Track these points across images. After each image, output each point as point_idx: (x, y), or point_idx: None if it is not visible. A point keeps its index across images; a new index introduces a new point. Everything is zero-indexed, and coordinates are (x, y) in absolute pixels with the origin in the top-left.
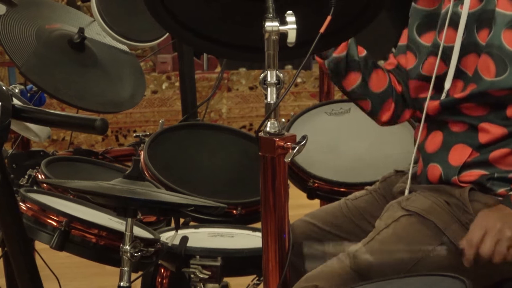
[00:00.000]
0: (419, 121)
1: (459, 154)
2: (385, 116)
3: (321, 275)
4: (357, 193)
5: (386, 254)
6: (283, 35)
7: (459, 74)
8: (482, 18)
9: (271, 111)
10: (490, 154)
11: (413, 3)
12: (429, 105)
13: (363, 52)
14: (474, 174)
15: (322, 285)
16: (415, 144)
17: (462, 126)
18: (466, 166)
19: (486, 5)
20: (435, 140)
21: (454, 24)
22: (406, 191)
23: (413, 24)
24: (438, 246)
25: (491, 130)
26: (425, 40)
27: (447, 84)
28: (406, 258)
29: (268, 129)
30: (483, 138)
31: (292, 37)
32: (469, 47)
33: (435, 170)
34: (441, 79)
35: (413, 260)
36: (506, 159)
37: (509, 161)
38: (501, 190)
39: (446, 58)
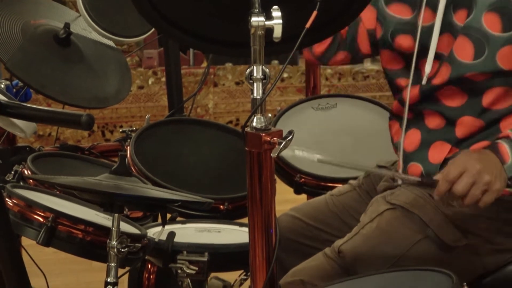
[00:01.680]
0: (392, 115)
1: (439, 151)
2: (319, 48)
3: (307, 269)
4: (341, 188)
5: (370, 248)
6: (269, 30)
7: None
8: None
9: (257, 106)
10: (469, 148)
11: None
12: (410, 92)
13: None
14: None
15: (307, 280)
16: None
17: (439, 121)
18: (447, 161)
19: None
20: (413, 138)
21: (432, 3)
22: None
23: None
24: (422, 239)
25: (468, 123)
26: (393, 11)
27: (428, 68)
28: (390, 252)
29: (254, 124)
30: (460, 132)
31: (278, 32)
32: (444, 26)
33: (416, 168)
34: (411, 58)
35: (398, 253)
36: None
37: None
38: None
39: (421, 39)
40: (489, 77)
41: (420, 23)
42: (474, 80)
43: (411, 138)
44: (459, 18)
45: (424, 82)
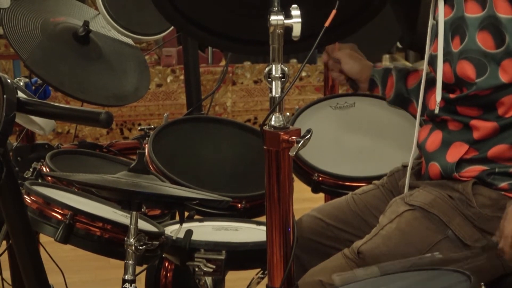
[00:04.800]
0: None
1: (456, 151)
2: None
3: (326, 270)
4: (364, 188)
5: (390, 249)
6: (288, 29)
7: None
8: (454, 26)
9: (275, 105)
10: (488, 151)
11: None
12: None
13: (412, 85)
14: (474, 170)
15: (326, 280)
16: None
17: (458, 124)
18: (465, 162)
19: (457, 13)
20: (435, 139)
21: (436, 33)
22: (406, 188)
23: None
24: (442, 240)
25: (481, 126)
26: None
27: (438, 97)
28: (410, 252)
29: (272, 123)
30: (476, 134)
31: (297, 31)
32: (446, 56)
33: (435, 168)
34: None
35: (418, 254)
36: (505, 154)
37: (508, 155)
38: (503, 185)
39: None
40: (492, 91)
41: (427, 51)
42: (480, 95)
43: (433, 139)
44: (455, 45)
45: (436, 111)
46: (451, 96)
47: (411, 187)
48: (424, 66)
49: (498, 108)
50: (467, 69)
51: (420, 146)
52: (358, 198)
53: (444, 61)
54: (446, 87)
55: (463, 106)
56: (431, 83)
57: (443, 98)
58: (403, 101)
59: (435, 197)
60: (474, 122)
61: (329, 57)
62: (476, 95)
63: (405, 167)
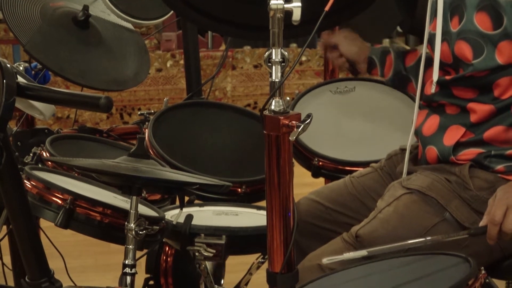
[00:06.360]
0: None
1: (453, 134)
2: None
3: (325, 254)
4: (362, 171)
5: (388, 232)
6: (288, 13)
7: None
8: (454, 6)
9: (276, 89)
10: (484, 133)
11: None
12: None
13: (410, 63)
14: (471, 152)
15: (325, 264)
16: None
17: (455, 108)
18: (462, 145)
19: None
20: (433, 123)
21: (435, 12)
22: (404, 173)
23: None
24: (440, 222)
25: (478, 109)
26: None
27: (435, 76)
28: (408, 235)
29: (272, 107)
30: (473, 118)
31: (297, 15)
32: (444, 35)
33: (432, 152)
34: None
35: (416, 237)
36: (501, 136)
37: (504, 138)
38: (499, 167)
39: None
40: (489, 73)
41: (426, 29)
42: (477, 76)
43: (430, 123)
44: (453, 25)
45: (433, 90)
46: (447, 77)
47: (408, 173)
48: (424, 44)
49: (494, 90)
50: (464, 49)
51: (417, 131)
52: (356, 181)
53: (443, 40)
54: (442, 68)
55: (459, 88)
56: (429, 63)
57: (438, 82)
58: (401, 80)
59: (433, 180)
60: (471, 105)
61: (325, 44)
62: (473, 76)
63: (402, 150)
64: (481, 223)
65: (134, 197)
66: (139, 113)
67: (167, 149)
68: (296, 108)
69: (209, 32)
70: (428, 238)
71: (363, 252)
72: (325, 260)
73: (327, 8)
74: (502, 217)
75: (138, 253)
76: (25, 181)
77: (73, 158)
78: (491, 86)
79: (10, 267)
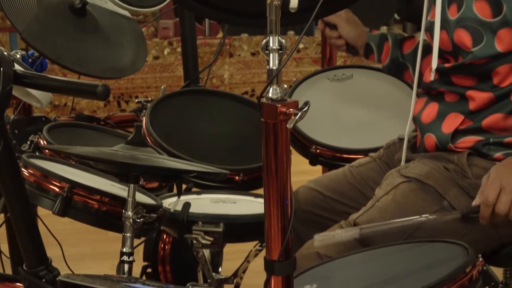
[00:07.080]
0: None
1: (452, 122)
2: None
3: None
4: (361, 160)
5: (386, 221)
6: (286, 1)
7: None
8: None
9: (273, 77)
10: (483, 120)
11: None
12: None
13: (407, 50)
14: (469, 140)
15: (323, 252)
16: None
17: (454, 96)
18: (460, 133)
19: None
20: (431, 111)
21: (434, 0)
22: (402, 161)
23: None
24: (438, 211)
25: (477, 97)
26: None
27: (434, 64)
28: (406, 224)
29: (270, 95)
30: (472, 105)
31: (294, 3)
32: (443, 23)
33: (431, 139)
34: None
35: (413, 225)
36: (499, 124)
37: (502, 125)
38: (498, 155)
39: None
40: (488, 61)
41: (424, 16)
42: (476, 64)
43: (429, 111)
44: (451, 13)
45: (432, 78)
46: (446, 65)
47: (407, 161)
48: (421, 32)
49: (493, 78)
50: (463, 37)
51: (416, 118)
52: (355, 171)
53: (441, 28)
54: (442, 56)
55: (458, 76)
56: (427, 50)
57: (438, 69)
58: (398, 67)
59: (431, 168)
60: (470, 93)
61: (325, 24)
62: (472, 64)
63: (401, 139)
64: (474, 203)
65: (132, 185)
66: (136, 101)
67: (164, 137)
68: (293, 95)
69: (207, 20)
70: (423, 216)
71: (355, 231)
72: (317, 242)
73: None
74: (496, 198)
75: (136, 241)
76: (22, 169)
77: (71, 146)
78: (490, 73)
79: (8, 255)
